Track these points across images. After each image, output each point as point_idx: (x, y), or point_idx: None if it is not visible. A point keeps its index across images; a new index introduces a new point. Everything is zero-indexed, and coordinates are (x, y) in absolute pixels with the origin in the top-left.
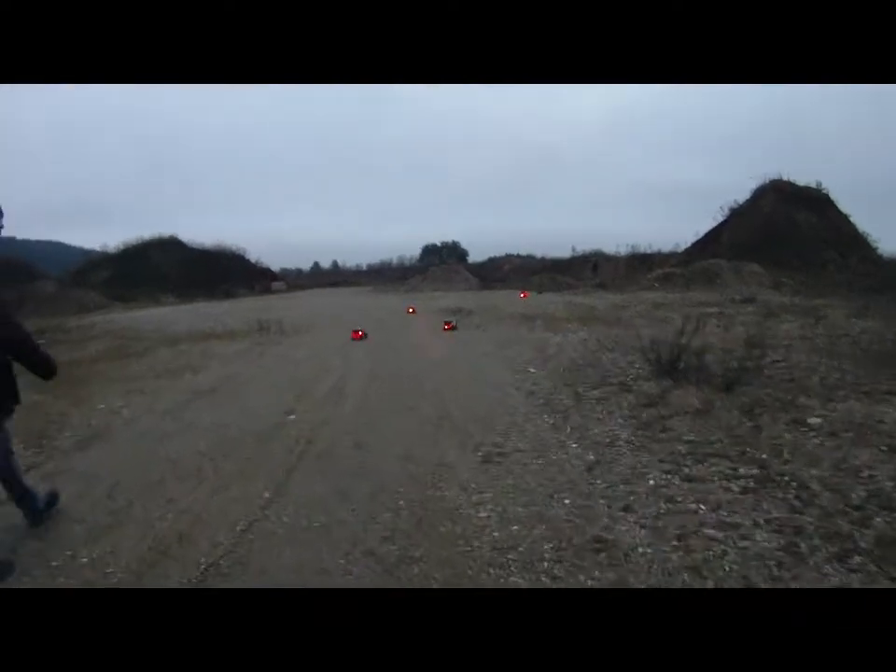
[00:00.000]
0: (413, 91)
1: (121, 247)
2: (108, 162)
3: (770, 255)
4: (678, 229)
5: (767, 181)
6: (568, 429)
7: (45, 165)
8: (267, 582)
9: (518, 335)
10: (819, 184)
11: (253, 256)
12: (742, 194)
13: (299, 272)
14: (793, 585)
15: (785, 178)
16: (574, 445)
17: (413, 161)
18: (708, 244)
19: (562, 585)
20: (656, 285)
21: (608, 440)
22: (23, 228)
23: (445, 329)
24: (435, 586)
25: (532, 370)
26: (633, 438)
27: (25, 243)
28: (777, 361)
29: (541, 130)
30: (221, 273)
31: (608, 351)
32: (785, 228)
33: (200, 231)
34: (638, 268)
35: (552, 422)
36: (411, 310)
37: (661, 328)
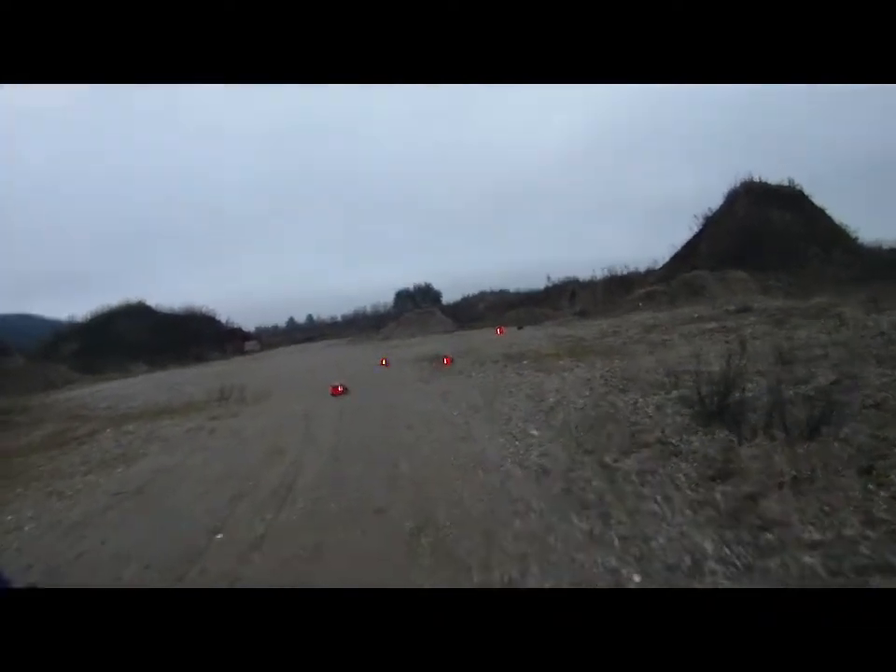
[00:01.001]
0: (376, 126)
1: (89, 317)
2: (80, 229)
3: (752, 259)
4: (655, 243)
5: (738, 184)
6: (615, 541)
7: (11, 235)
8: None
9: (506, 381)
10: (791, 180)
11: (224, 316)
12: (714, 201)
13: (275, 328)
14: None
15: (756, 179)
16: (636, 578)
17: (381, 199)
18: (687, 256)
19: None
20: (640, 305)
21: (687, 561)
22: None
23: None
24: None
25: (534, 431)
26: (726, 554)
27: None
28: (837, 382)
29: (508, 160)
30: (191, 336)
31: (621, 392)
32: (762, 229)
33: (170, 296)
34: (617, 290)
35: (586, 527)
36: (383, 362)
37: (664, 353)
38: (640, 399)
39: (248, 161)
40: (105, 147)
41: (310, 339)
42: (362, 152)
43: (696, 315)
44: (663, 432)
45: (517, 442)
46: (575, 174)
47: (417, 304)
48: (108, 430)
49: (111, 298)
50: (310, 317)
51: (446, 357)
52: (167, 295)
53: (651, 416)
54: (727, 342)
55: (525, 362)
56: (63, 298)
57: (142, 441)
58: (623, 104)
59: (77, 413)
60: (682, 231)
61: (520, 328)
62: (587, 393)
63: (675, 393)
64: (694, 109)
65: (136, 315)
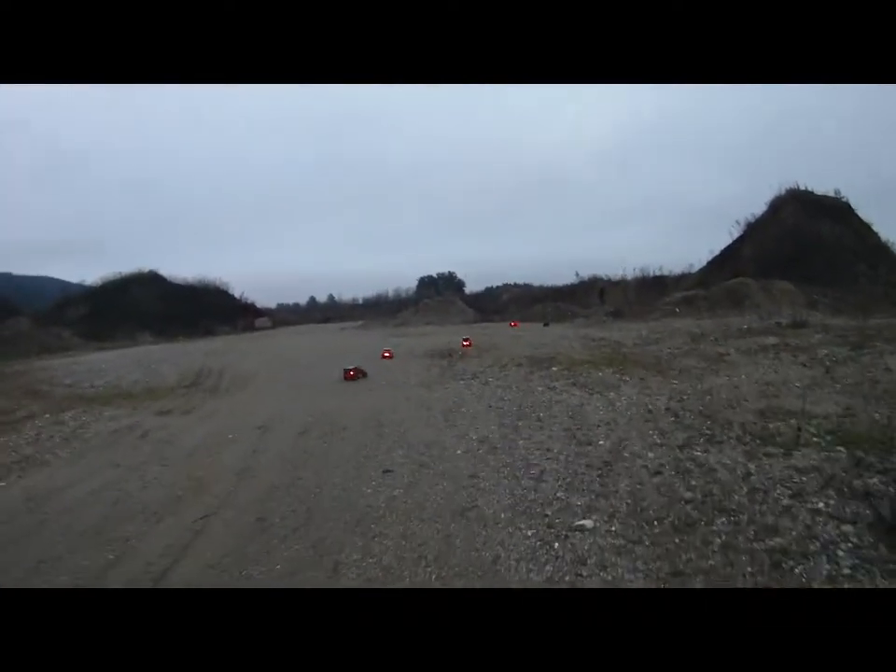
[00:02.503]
0: (405, 114)
1: (99, 283)
2: (103, 193)
3: (797, 270)
4: (687, 247)
5: (784, 191)
6: None
7: (31, 197)
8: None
9: (534, 398)
10: (838, 192)
11: (238, 291)
12: (752, 207)
13: (296, 306)
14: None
15: (802, 187)
16: None
17: (407, 186)
18: (727, 261)
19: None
20: (677, 310)
21: None
22: (16, 263)
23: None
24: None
25: (585, 521)
26: None
27: (19, 278)
28: None
29: (539, 151)
30: (203, 309)
31: (709, 444)
32: (810, 240)
33: (189, 267)
34: (649, 292)
35: None
36: (386, 354)
37: (730, 372)
38: (750, 466)
39: (279, 148)
40: (138, 125)
41: (327, 320)
42: (391, 141)
43: (746, 327)
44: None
45: (557, 548)
46: (605, 171)
47: (440, 292)
48: (46, 416)
49: (132, 268)
50: (331, 297)
51: (467, 339)
52: (191, 270)
53: (786, 511)
54: (805, 364)
55: (554, 369)
56: (89, 264)
57: (64, 438)
58: (657, 102)
59: (34, 389)
60: (716, 237)
61: (546, 324)
62: (656, 437)
63: (805, 458)
64: (735, 112)
65: (148, 283)
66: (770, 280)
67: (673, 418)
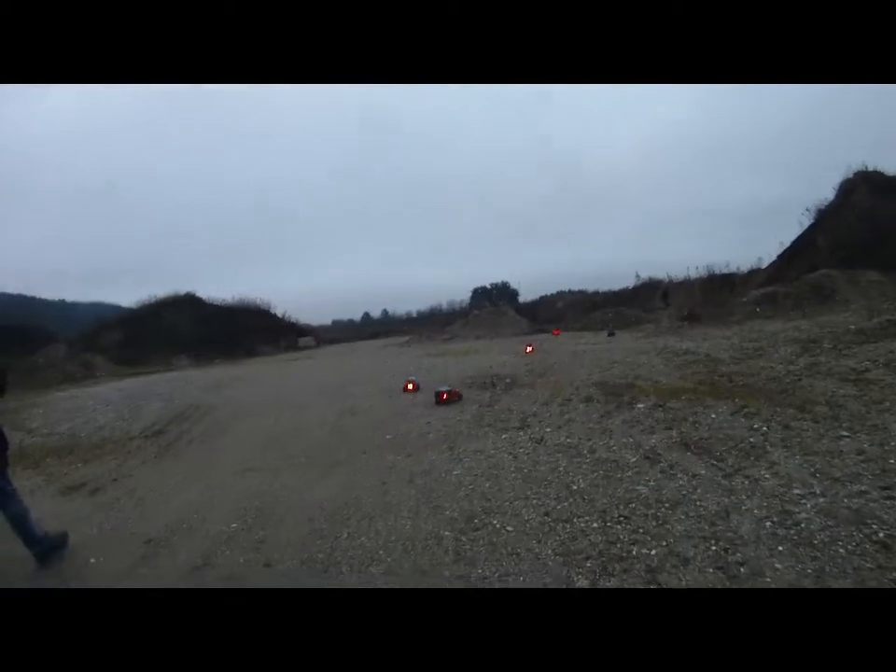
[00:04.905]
0: (458, 125)
1: (134, 307)
2: (140, 219)
3: (878, 258)
4: (745, 247)
5: (853, 173)
6: None
7: (74, 224)
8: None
9: (622, 475)
10: None
11: (281, 310)
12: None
13: (350, 322)
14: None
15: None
16: None
17: (461, 198)
18: (800, 253)
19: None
20: (758, 309)
21: None
22: (72, 289)
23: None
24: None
25: None
26: None
27: (72, 305)
28: None
29: (590, 158)
30: (242, 330)
31: None
32: (889, 224)
33: (244, 289)
34: (717, 291)
35: None
36: (409, 387)
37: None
38: None
39: (329, 160)
40: (185, 145)
41: (374, 335)
42: (442, 152)
43: (854, 328)
44: None
45: None
46: (653, 176)
47: (494, 302)
48: None
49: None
50: (385, 312)
51: (530, 345)
52: (250, 292)
53: None
54: None
55: (641, 406)
56: (138, 288)
57: None
58: (704, 105)
59: None
60: (774, 233)
61: (611, 333)
62: None
63: None
64: (773, 111)
65: (185, 305)
66: (856, 270)
67: None
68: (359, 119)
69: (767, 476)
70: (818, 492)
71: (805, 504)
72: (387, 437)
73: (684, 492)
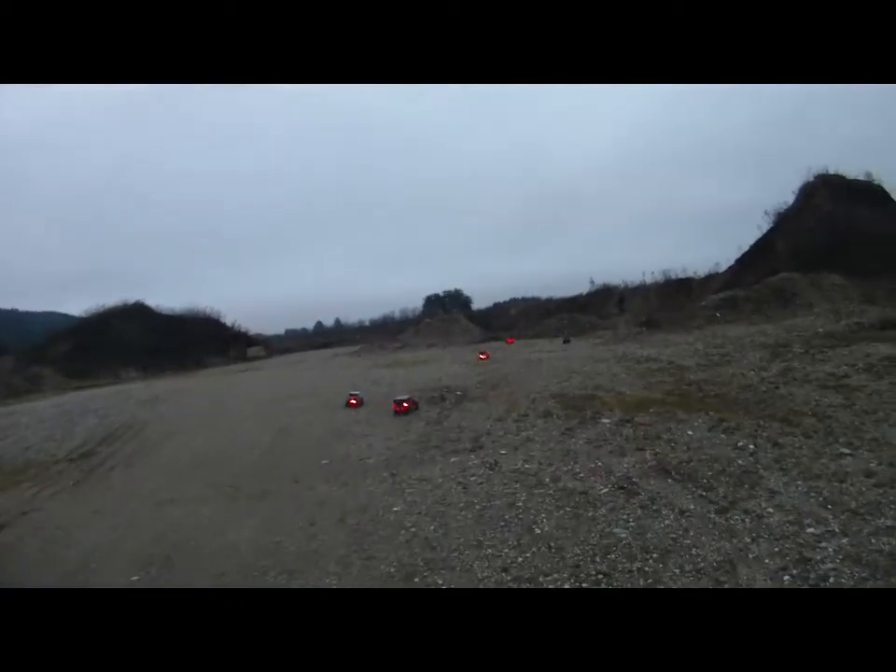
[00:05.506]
0: (409, 131)
1: (83, 316)
2: (112, 229)
3: (838, 261)
4: (706, 249)
5: (813, 176)
6: None
7: (42, 232)
8: None
9: (593, 514)
10: (870, 175)
11: (231, 319)
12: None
13: (304, 331)
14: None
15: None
16: None
17: (414, 205)
18: (759, 257)
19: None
20: (717, 314)
21: None
22: (25, 298)
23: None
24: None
25: None
26: None
27: (25, 314)
28: None
29: (546, 165)
30: (192, 340)
31: None
32: (849, 228)
33: (193, 297)
34: (676, 296)
35: None
36: (353, 402)
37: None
38: None
39: (275, 164)
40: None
41: (325, 345)
42: (393, 155)
43: (821, 331)
44: None
45: None
46: (612, 183)
47: (447, 310)
48: None
49: (135, 297)
50: (337, 321)
51: (484, 353)
52: (201, 300)
53: None
54: None
55: (606, 421)
56: (95, 296)
57: None
58: (660, 111)
59: None
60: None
61: (566, 340)
62: None
63: None
64: (741, 114)
65: (134, 315)
66: (818, 274)
67: None
68: (317, 128)
69: (770, 510)
70: (836, 530)
71: (825, 548)
72: (323, 462)
73: (673, 535)
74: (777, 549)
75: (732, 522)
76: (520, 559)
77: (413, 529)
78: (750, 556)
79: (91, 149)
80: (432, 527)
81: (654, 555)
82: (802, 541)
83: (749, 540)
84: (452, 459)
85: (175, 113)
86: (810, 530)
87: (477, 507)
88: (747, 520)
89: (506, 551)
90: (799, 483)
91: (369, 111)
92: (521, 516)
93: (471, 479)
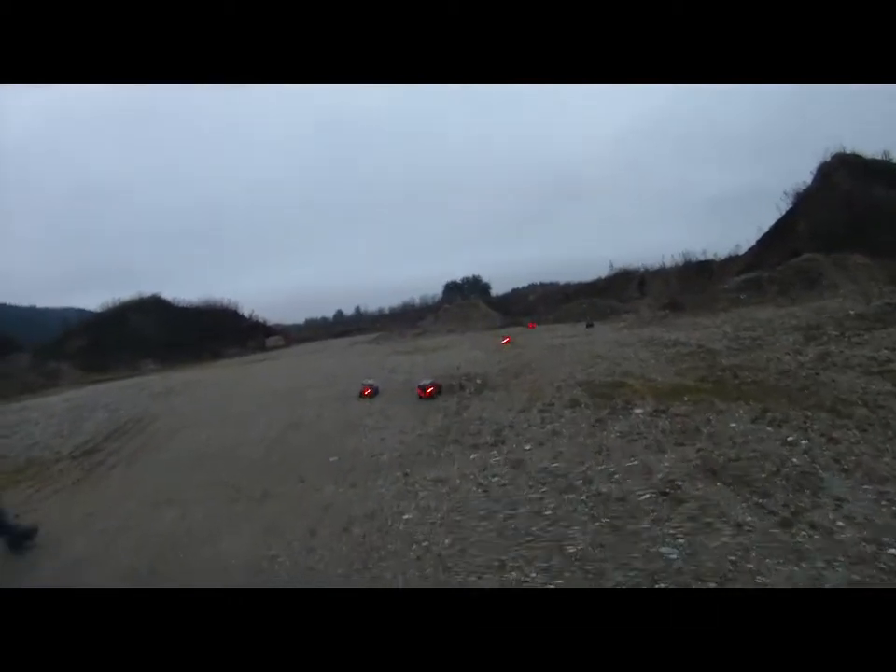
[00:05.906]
0: (423, 122)
1: (99, 311)
2: (130, 226)
3: (860, 241)
4: (720, 236)
5: (830, 156)
6: None
7: (45, 228)
8: None
9: (634, 520)
10: (887, 153)
11: (248, 310)
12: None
13: (324, 320)
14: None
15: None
16: None
17: (432, 193)
18: (779, 238)
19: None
20: (741, 297)
21: None
22: (35, 295)
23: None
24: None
25: None
26: None
27: (42, 311)
28: None
29: (559, 152)
30: (209, 331)
31: None
32: (869, 207)
33: (216, 291)
34: (695, 279)
35: None
36: (367, 391)
37: None
38: None
39: (294, 160)
40: (155, 145)
41: (344, 333)
42: (410, 148)
43: (853, 313)
44: None
45: None
46: (626, 166)
47: (466, 296)
48: None
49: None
50: (357, 310)
51: (506, 337)
52: (225, 293)
53: None
54: None
55: (639, 411)
56: (112, 290)
57: None
58: (671, 101)
59: None
60: (750, 220)
61: (589, 324)
62: None
63: None
64: (746, 104)
65: (150, 308)
66: (841, 254)
67: None
68: (334, 119)
69: (841, 523)
70: None
71: None
72: (332, 459)
73: (732, 557)
74: (856, 576)
75: (799, 539)
76: (551, 587)
77: (425, 543)
78: (827, 587)
79: (103, 148)
80: (447, 541)
81: (712, 586)
82: (884, 566)
83: (822, 565)
84: (471, 456)
85: (189, 108)
86: (891, 551)
87: (499, 516)
88: (815, 536)
89: (533, 575)
90: (867, 487)
91: (388, 104)
92: (550, 528)
93: (493, 480)
